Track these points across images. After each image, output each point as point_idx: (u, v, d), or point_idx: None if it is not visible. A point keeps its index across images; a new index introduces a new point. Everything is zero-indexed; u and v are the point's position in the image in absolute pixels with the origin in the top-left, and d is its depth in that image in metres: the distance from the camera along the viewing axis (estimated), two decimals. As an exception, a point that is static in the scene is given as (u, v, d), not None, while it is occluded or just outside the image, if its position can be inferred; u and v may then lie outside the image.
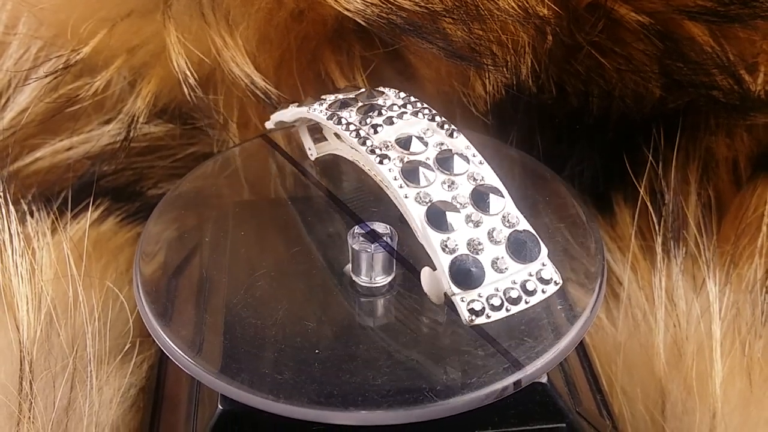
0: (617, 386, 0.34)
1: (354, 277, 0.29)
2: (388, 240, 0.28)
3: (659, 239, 0.36)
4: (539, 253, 0.26)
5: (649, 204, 0.37)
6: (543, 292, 0.26)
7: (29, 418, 0.30)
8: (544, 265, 0.26)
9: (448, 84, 0.39)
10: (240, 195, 0.34)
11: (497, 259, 0.26)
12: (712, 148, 0.40)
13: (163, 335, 0.27)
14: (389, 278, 0.29)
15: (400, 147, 0.28)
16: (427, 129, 0.28)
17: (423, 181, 0.27)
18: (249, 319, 0.27)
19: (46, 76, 0.37)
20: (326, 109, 0.30)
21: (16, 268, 0.32)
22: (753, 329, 0.34)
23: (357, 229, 0.29)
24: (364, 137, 0.28)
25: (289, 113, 0.32)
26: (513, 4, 0.35)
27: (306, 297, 0.29)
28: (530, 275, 0.26)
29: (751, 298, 0.35)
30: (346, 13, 0.34)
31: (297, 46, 0.38)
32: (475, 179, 0.27)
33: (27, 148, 0.40)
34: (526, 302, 0.26)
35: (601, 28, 0.37)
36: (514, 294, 0.25)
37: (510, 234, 0.26)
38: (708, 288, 0.34)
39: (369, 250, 0.28)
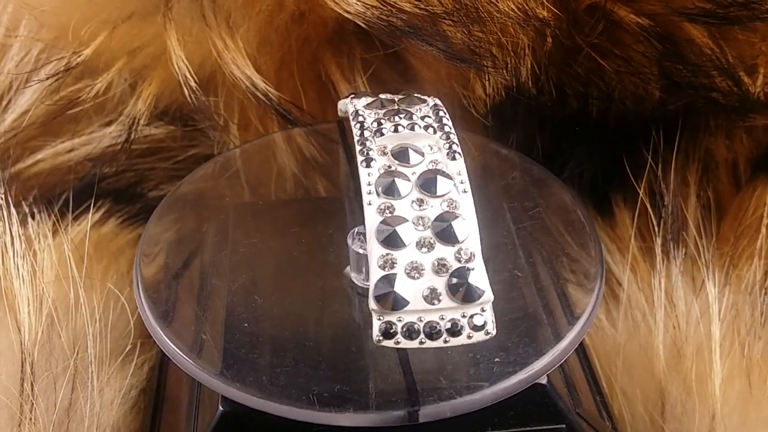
0: (617, 387, 0.34)
1: (354, 279, 0.29)
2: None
3: (659, 240, 0.36)
4: (480, 297, 0.25)
5: (648, 205, 0.37)
6: (469, 337, 0.25)
7: (30, 419, 0.30)
8: (483, 310, 0.25)
9: (448, 86, 0.39)
10: (240, 197, 0.34)
11: (433, 290, 0.25)
12: (712, 150, 0.40)
13: (164, 337, 0.27)
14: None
15: (393, 156, 0.27)
16: (432, 145, 0.27)
17: (394, 194, 0.26)
18: (249, 321, 0.27)
19: (47, 79, 0.37)
20: (363, 105, 0.29)
21: (18, 269, 0.32)
22: (752, 330, 0.34)
23: (357, 231, 0.29)
24: (364, 138, 0.28)
25: (341, 102, 0.31)
26: (513, 7, 0.35)
27: (306, 299, 0.29)
28: (463, 317, 0.25)
29: (750, 299, 0.35)
30: (346, 15, 0.34)
31: (297, 48, 0.38)
32: (449, 205, 0.26)
33: (28, 150, 0.40)
34: (445, 341, 0.24)
35: (600, 31, 0.37)
36: (436, 329, 0.24)
37: (457, 269, 0.25)
38: (707, 289, 0.34)
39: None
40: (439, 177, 0.26)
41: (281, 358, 0.26)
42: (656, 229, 0.37)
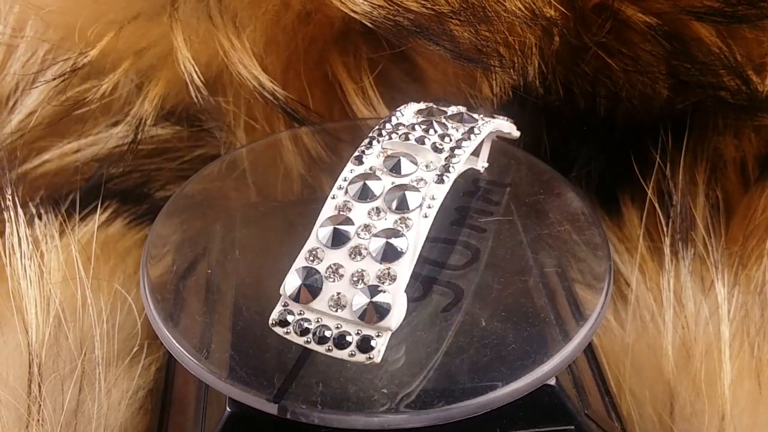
0: (626, 388, 0.34)
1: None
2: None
3: (667, 240, 0.36)
4: (379, 321, 0.24)
5: (657, 205, 0.37)
6: (351, 355, 0.24)
7: (38, 420, 0.30)
8: (378, 335, 0.24)
9: (455, 85, 0.39)
10: (247, 197, 0.34)
11: (341, 297, 0.25)
12: (720, 149, 0.40)
13: (171, 338, 0.27)
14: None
15: (385, 161, 0.27)
16: (429, 163, 0.27)
17: (358, 196, 0.26)
18: (257, 322, 0.27)
19: (54, 79, 0.37)
20: (414, 111, 0.29)
21: (25, 271, 0.32)
22: (762, 330, 0.33)
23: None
24: (373, 138, 0.28)
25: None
26: (520, 6, 0.34)
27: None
28: (357, 334, 0.24)
29: (759, 299, 0.35)
30: (352, 15, 0.34)
31: (304, 48, 0.38)
32: (402, 224, 0.25)
33: (35, 150, 0.40)
34: (328, 350, 0.24)
35: (608, 29, 0.37)
36: (325, 333, 0.24)
37: (371, 287, 0.25)
38: (716, 289, 0.34)
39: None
40: (407, 194, 0.26)
41: (289, 360, 0.26)
42: (665, 228, 0.37)
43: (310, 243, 0.25)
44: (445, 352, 0.26)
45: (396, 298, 0.25)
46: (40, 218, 0.36)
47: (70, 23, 0.37)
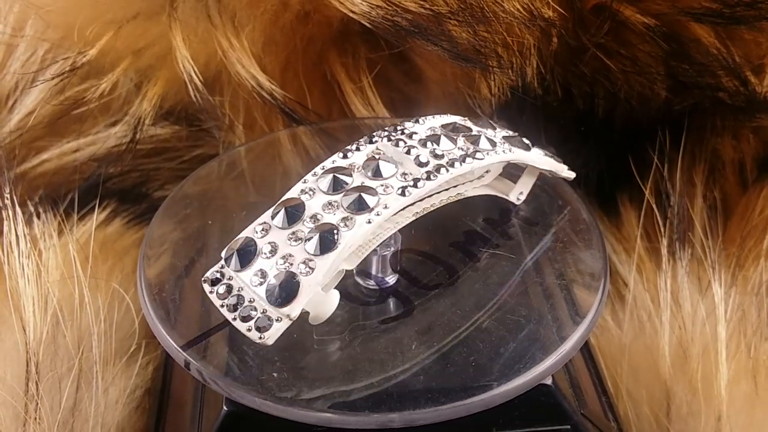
0: (622, 388, 0.34)
1: (359, 279, 0.29)
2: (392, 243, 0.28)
3: (665, 241, 0.36)
4: (281, 306, 0.25)
5: (654, 206, 0.37)
6: (248, 330, 0.25)
7: (35, 418, 0.30)
8: (278, 320, 0.25)
9: (453, 86, 0.39)
10: (245, 196, 0.34)
11: (263, 273, 0.25)
12: (718, 150, 0.40)
13: (168, 338, 0.27)
14: (394, 279, 0.29)
15: (365, 163, 0.27)
16: (407, 174, 0.27)
17: (325, 185, 0.27)
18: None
19: (53, 79, 0.38)
20: (441, 124, 0.29)
21: (23, 269, 0.32)
22: (759, 331, 0.34)
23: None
24: (373, 136, 0.28)
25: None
26: (518, 6, 0.35)
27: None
28: (263, 312, 0.25)
29: (756, 300, 0.35)
30: (351, 15, 0.34)
31: (303, 48, 0.38)
32: (342, 222, 0.26)
33: (34, 150, 0.40)
34: (233, 319, 0.25)
35: (606, 30, 0.37)
36: (237, 303, 0.25)
37: (289, 271, 0.25)
38: (713, 290, 0.34)
39: (375, 252, 0.28)
40: (363, 195, 0.26)
41: (285, 359, 0.26)
42: (662, 229, 0.37)
43: (264, 217, 0.26)
44: (441, 350, 0.26)
45: (305, 289, 0.25)
46: (38, 217, 0.36)
47: (70, 23, 0.37)
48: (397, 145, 0.28)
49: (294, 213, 0.26)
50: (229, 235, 0.27)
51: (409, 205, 0.28)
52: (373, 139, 0.28)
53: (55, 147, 0.40)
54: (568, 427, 0.27)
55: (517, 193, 0.32)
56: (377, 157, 0.27)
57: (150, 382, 0.34)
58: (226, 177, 0.34)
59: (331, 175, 0.27)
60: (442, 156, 0.28)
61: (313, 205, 0.26)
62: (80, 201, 0.38)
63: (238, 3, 0.36)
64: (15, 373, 0.31)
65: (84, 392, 0.31)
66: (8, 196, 0.34)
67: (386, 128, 0.29)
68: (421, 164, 0.27)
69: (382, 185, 0.27)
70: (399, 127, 0.29)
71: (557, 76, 0.38)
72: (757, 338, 0.33)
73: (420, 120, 0.29)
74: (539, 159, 0.31)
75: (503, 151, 0.29)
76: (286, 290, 0.25)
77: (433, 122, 0.29)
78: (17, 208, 0.33)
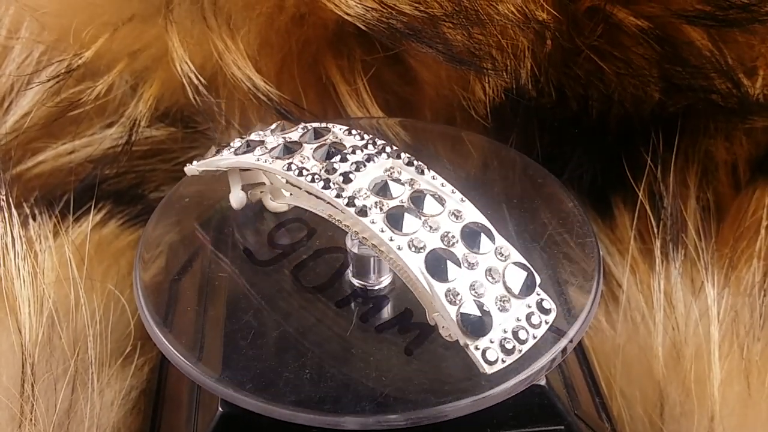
0: (616, 388, 0.34)
1: (354, 281, 0.29)
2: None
3: (658, 242, 0.37)
4: (535, 283, 0.26)
5: (648, 207, 0.38)
6: (546, 323, 0.25)
7: (31, 420, 0.30)
8: (539, 295, 0.25)
9: (448, 88, 0.39)
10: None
11: (499, 298, 0.25)
12: (711, 152, 0.40)
13: (164, 340, 0.27)
14: (389, 280, 0.29)
15: (376, 194, 0.26)
16: (392, 167, 0.27)
17: (408, 228, 0.25)
18: (249, 323, 0.28)
19: (49, 80, 0.38)
20: (273, 156, 0.27)
21: (18, 271, 0.32)
22: (751, 332, 0.34)
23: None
24: (336, 189, 0.26)
25: (225, 161, 0.29)
26: (512, 9, 0.35)
27: (306, 301, 0.29)
28: (529, 307, 0.25)
29: (749, 301, 0.35)
30: (346, 17, 0.35)
31: (298, 50, 0.38)
32: (457, 217, 0.26)
33: (29, 151, 0.40)
34: (534, 336, 0.25)
35: (600, 33, 0.37)
36: (522, 334, 0.25)
37: (505, 269, 0.25)
38: (706, 291, 0.34)
39: (370, 254, 0.28)
40: (427, 196, 0.26)
41: (281, 361, 0.26)
42: (656, 230, 0.37)
43: (439, 292, 0.25)
44: (436, 351, 0.27)
45: (521, 260, 0.26)
46: (34, 219, 0.36)
47: (65, 25, 0.37)
48: (359, 169, 0.27)
49: (446, 257, 0.25)
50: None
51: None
52: (344, 185, 0.27)
53: (51, 149, 0.40)
54: (562, 427, 0.27)
55: None
56: (377, 181, 0.26)
57: (145, 383, 0.34)
58: (221, 178, 0.34)
59: (400, 216, 0.25)
60: (376, 145, 0.28)
61: (427, 238, 0.25)
62: (76, 202, 0.38)
63: (233, 5, 0.36)
64: (11, 374, 0.31)
65: (80, 393, 0.31)
66: (4, 197, 0.34)
67: (323, 173, 0.27)
68: (394, 155, 0.27)
69: (408, 182, 0.26)
70: (332, 160, 0.27)
71: (551, 78, 0.38)
72: (750, 339, 0.33)
73: (284, 150, 0.28)
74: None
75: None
76: (524, 276, 0.25)
77: (282, 143, 0.28)
78: (13, 210, 0.33)
